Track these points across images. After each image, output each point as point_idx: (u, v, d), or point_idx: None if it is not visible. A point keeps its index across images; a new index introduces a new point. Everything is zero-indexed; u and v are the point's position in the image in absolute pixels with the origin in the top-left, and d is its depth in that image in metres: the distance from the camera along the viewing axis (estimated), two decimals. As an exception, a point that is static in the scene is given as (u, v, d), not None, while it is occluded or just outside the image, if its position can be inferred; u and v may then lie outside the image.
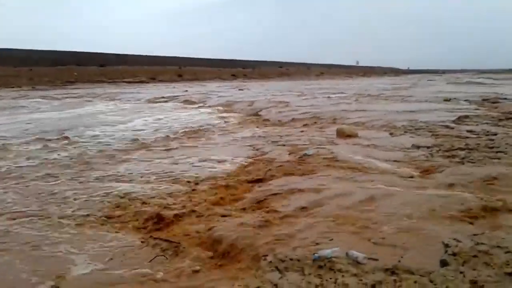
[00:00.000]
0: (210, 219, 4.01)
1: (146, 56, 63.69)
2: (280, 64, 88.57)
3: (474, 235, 3.05)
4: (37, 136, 9.38)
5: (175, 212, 4.33)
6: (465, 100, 16.56)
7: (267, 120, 12.41)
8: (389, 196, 4.20)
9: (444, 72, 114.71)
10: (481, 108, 13.68)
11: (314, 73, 74.21)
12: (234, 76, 53.54)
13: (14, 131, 10.23)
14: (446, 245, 2.87)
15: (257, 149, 7.93)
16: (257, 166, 6.34)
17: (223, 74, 54.79)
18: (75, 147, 8.26)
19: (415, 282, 2.36)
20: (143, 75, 45.14)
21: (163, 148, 8.12)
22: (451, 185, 4.54)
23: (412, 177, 5.18)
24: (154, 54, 66.15)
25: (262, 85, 38.42)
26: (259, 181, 5.49)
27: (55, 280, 2.95)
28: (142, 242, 3.66)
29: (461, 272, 2.42)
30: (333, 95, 21.62)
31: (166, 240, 3.50)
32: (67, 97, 21.53)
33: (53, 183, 5.61)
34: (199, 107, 16.96)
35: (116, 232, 3.96)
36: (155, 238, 3.60)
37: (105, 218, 4.30)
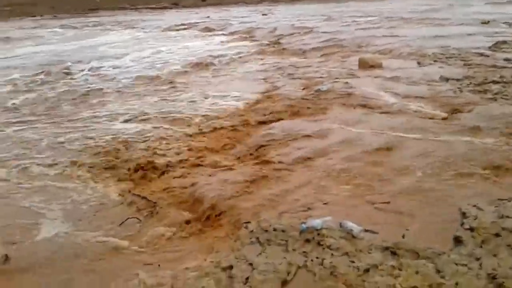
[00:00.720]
0: (199, 170, 3.58)
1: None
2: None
3: (499, 200, 2.51)
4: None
5: (168, 159, 3.93)
6: (504, 23, 15.10)
7: (287, 49, 11.60)
8: (404, 144, 3.65)
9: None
10: (523, 31, 12.39)
11: (345, -5, 70.06)
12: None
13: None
14: (463, 214, 2.35)
15: (270, 83, 7.33)
16: (266, 104, 5.79)
17: (249, -3, 52.32)
18: (60, 84, 7.85)
19: (417, 272, 1.88)
20: (166, 0, 43.59)
21: (170, 83, 7.61)
22: (477, 130, 3.92)
23: (434, 118, 4.55)
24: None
25: (289, 8, 36.54)
26: (264, 123, 4.98)
27: (14, 245, 2.63)
28: (121, 196, 3.29)
29: (477, 259, 1.92)
30: (362, 18, 20.22)
31: (143, 198, 3.10)
32: (86, 26, 20.91)
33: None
34: (218, 34, 16.11)
35: (96, 182, 3.60)
36: (133, 195, 3.21)
37: (90, 166, 3.94)
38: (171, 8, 38.67)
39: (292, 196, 2.83)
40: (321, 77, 7.43)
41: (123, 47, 12.69)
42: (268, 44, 12.78)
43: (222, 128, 4.91)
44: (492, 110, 4.59)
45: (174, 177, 3.49)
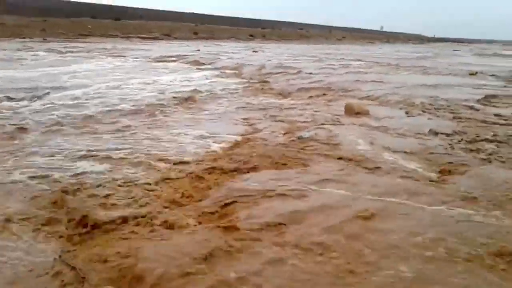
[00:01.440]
0: (151, 231, 3.00)
1: (162, 11, 61.80)
2: (300, 26, 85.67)
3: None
4: None
5: (118, 213, 3.34)
6: (492, 75, 15.05)
7: (272, 88, 11.22)
8: (389, 212, 3.14)
9: (470, 42, 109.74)
10: (510, 85, 12.24)
11: (336, 37, 71.49)
12: (252, 37, 51.63)
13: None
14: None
15: (250, 124, 6.85)
16: (243, 150, 5.27)
17: (240, 33, 52.92)
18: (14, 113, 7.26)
19: None
20: (158, 31, 43.69)
21: (144, 120, 7.07)
22: (473, 200, 3.43)
23: (423, 180, 4.06)
24: (170, 10, 64.22)
25: (279, 47, 36.76)
26: (238, 171, 4.45)
27: None
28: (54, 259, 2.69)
29: None
30: (351, 62, 20.16)
31: (73, 268, 2.51)
32: (72, 51, 20.46)
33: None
34: (205, 69, 15.76)
35: (28, 240, 2.99)
36: (63, 262, 2.61)
37: (25, 218, 3.33)
38: (162, 39, 38.68)
39: (254, 281, 2.26)
40: (305, 121, 6.99)
41: (96, 76, 12.06)
42: (254, 82, 12.43)
43: (190, 174, 4.36)
44: (488, 175, 4.13)
45: (119, 238, 2.90)
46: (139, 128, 6.37)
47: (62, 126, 6.32)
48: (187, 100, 8.74)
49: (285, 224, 2.99)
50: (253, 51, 27.34)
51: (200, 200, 3.68)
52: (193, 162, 4.82)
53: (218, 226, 2.99)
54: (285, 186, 3.79)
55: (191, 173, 4.40)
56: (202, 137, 5.92)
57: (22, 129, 5.98)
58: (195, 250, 2.60)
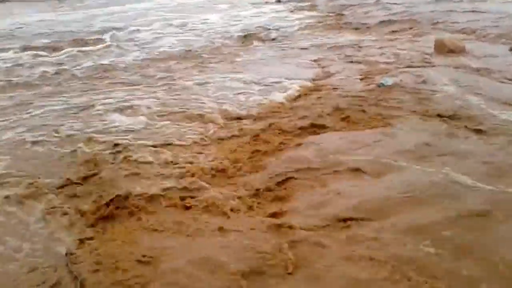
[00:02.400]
0: (181, 221, 2.30)
1: None
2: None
3: None
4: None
5: (149, 189, 2.69)
6: None
7: (349, 22, 9.87)
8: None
9: None
10: None
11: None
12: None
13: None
14: None
15: (322, 67, 5.85)
16: (310, 101, 4.37)
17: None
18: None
19: None
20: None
21: (199, 62, 6.29)
22: None
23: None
24: None
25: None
26: (302, 130, 3.60)
27: None
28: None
29: None
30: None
31: (73, 276, 1.89)
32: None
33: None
34: (276, 1, 14.47)
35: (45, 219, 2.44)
36: (67, 265, 2.00)
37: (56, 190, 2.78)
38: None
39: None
40: (386, 62, 5.84)
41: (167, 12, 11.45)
42: (328, 16, 11.08)
43: (246, 134, 3.60)
44: None
45: (141, 228, 2.24)
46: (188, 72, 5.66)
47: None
48: (251, 38, 7.80)
49: (356, 220, 2.15)
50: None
51: (250, 172, 2.91)
52: (251, 118, 4.03)
53: (269, 225, 2.20)
54: (360, 156, 2.90)
55: (246, 132, 3.62)
56: (265, 83, 5.07)
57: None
58: (230, 262, 1.86)
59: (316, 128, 3.59)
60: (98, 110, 4.29)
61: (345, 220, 2.16)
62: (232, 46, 7.36)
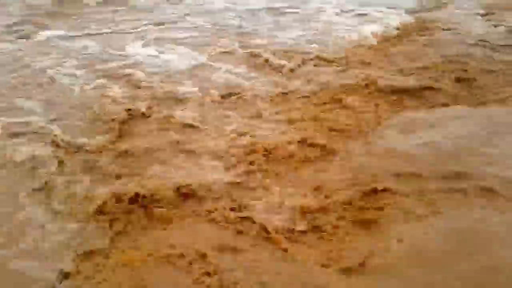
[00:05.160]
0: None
1: None
2: None
3: None
4: None
5: (196, 184, 1.91)
6: None
7: None
8: None
9: None
10: None
11: None
12: None
13: None
14: None
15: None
16: (412, 45, 3.24)
17: None
18: None
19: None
20: None
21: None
22: None
23: None
24: None
25: None
26: (400, 93, 2.58)
27: None
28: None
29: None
30: None
31: None
32: None
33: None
34: None
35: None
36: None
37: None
38: None
39: None
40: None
41: None
42: None
43: (326, 94, 2.64)
44: None
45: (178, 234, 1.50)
46: None
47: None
48: None
49: None
50: None
51: (327, 170, 2.01)
52: (334, 64, 3.02)
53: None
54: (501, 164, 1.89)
55: (328, 91, 2.66)
56: (355, 13, 3.93)
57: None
58: None
59: (424, 93, 2.54)
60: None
61: None
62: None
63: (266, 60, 3.10)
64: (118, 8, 4.36)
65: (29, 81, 2.86)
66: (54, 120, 2.39)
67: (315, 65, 3.01)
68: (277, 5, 4.24)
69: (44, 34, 3.66)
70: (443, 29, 3.48)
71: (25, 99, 2.63)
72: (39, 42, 3.54)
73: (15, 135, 2.26)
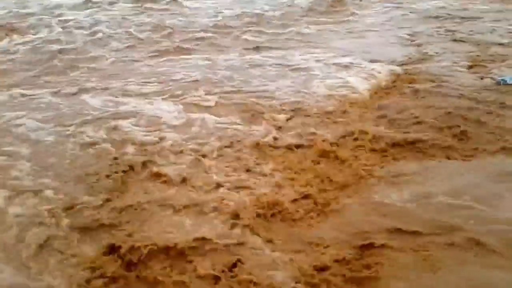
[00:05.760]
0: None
1: None
2: None
3: None
4: None
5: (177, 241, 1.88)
6: None
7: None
8: None
9: None
10: None
11: None
12: None
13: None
14: None
15: (417, 45, 4.64)
16: (401, 97, 3.31)
17: None
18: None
19: None
20: None
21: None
22: None
23: None
24: None
25: None
26: (394, 146, 2.60)
27: None
28: None
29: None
30: None
31: None
32: None
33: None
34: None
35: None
36: None
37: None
38: None
39: None
40: (501, 44, 4.52)
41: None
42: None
43: (314, 145, 2.66)
44: None
45: None
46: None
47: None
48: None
49: None
50: None
51: (321, 216, 1.99)
52: (321, 114, 3.07)
53: None
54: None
55: (315, 142, 2.68)
56: (340, 65, 4.02)
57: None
58: None
59: (416, 146, 2.57)
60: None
61: None
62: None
63: (258, 112, 3.13)
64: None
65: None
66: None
67: (304, 117, 3.04)
68: (261, 56, 4.33)
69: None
70: (431, 81, 3.56)
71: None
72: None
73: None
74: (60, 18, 5.82)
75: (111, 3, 6.57)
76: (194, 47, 4.71)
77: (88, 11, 6.21)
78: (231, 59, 4.26)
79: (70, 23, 5.59)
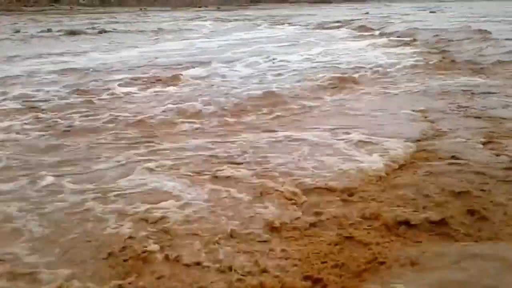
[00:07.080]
0: None
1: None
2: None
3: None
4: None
5: None
6: None
7: (456, 61, 8.46)
8: None
9: None
10: None
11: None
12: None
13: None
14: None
15: (430, 121, 4.65)
16: (415, 176, 3.25)
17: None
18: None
19: None
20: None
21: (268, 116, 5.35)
22: None
23: None
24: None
25: (463, 5, 31.29)
26: (411, 228, 2.51)
27: None
28: None
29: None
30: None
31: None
32: (238, 20, 19.83)
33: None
34: (372, 36, 13.34)
35: None
36: None
37: None
38: (330, 2, 36.31)
39: None
40: (514, 120, 4.51)
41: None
42: (432, 52, 9.73)
43: (329, 227, 2.58)
44: None
45: None
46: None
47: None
48: (342, 81, 6.76)
49: None
50: (431, 12, 23.42)
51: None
52: (334, 193, 3.01)
53: None
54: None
55: (330, 223, 2.61)
56: (355, 144, 4.01)
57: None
58: None
59: (432, 227, 2.48)
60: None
61: None
62: (314, 92, 6.35)
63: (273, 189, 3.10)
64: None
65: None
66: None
67: (318, 196, 2.99)
68: (272, 134, 4.37)
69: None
70: (446, 159, 3.51)
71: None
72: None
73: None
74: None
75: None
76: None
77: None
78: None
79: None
